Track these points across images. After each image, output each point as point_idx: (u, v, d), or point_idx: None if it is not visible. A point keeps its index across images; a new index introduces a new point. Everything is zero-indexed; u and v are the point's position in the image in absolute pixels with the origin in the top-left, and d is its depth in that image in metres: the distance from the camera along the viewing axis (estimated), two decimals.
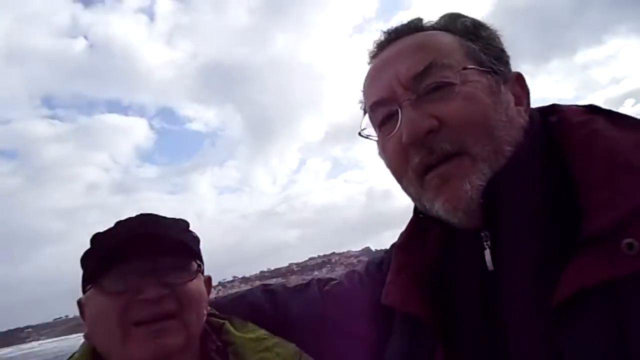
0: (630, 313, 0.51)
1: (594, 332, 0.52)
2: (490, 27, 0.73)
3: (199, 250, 0.87)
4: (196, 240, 0.87)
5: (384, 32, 0.76)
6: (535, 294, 0.60)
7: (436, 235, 0.75)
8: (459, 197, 0.65)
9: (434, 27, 0.74)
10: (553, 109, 0.72)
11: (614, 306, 0.52)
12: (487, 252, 0.67)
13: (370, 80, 0.75)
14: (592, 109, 0.68)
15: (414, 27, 0.74)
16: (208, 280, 0.89)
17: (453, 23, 0.73)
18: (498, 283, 0.65)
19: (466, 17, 0.74)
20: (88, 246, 0.81)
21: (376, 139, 0.76)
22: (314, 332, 0.91)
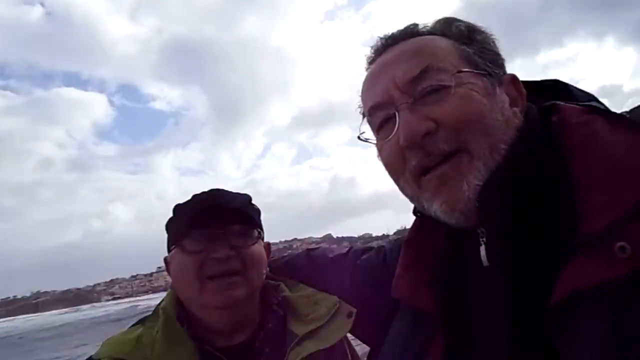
0: (624, 316, 0.51)
1: (589, 335, 0.52)
2: (485, 31, 0.75)
3: (260, 220, 1.04)
4: (257, 211, 1.04)
5: (381, 38, 0.78)
6: (529, 295, 0.60)
7: (441, 232, 0.76)
8: (457, 198, 0.66)
9: (430, 32, 0.75)
10: (554, 107, 0.72)
11: (608, 309, 0.52)
12: (482, 249, 0.68)
13: (368, 85, 0.76)
14: (592, 110, 0.68)
15: (410, 32, 0.76)
16: (267, 245, 1.06)
17: (448, 27, 0.74)
18: (492, 280, 0.66)
19: (461, 21, 0.76)
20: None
21: (374, 142, 0.78)
22: (342, 299, 1.01)
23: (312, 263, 1.12)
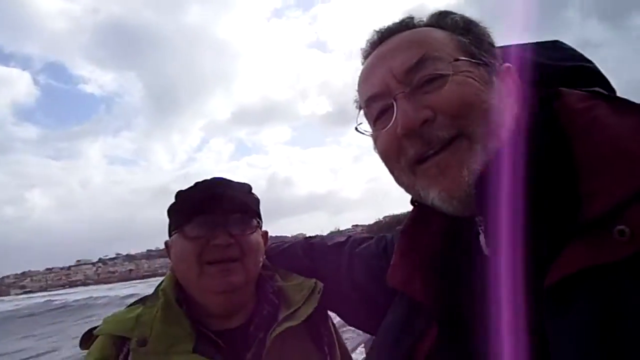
0: (620, 299, 0.50)
1: (581, 318, 0.52)
2: (480, 23, 0.75)
3: (259, 209, 1.07)
4: (257, 201, 1.07)
5: (376, 31, 0.78)
6: (526, 279, 0.60)
7: (438, 221, 0.75)
8: (457, 184, 0.65)
9: (426, 25, 0.76)
10: (558, 93, 0.70)
11: (603, 292, 0.51)
12: (482, 237, 0.69)
13: (365, 77, 0.77)
14: (595, 95, 0.67)
15: (406, 25, 0.76)
16: (265, 234, 1.09)
17: (443, 19, 0.75)
18: (492, 267, 0.65)
19: (456, 14, 0.76)
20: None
21: (370, 133, 0.78)
22: (337, 289, 1.03)
23: (310, 251, 1.14)
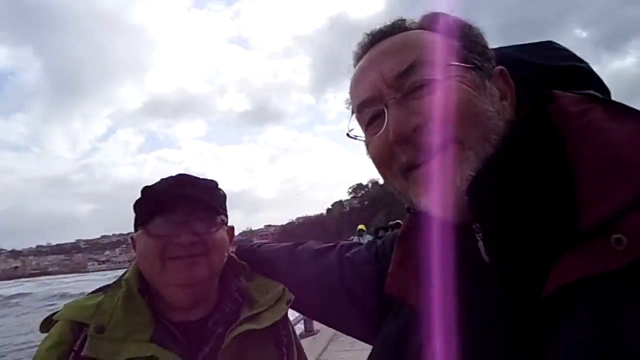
0: (617, 309, 0.50)
1: (579, 328, 0.51)
2: (473, 26, 0.74)
3: (225, 205, 1.10)
4: (223, 197, 1.11)
5: (368, 34, 0.77)
6: (524, 288, 0.60)
7: (435, 228, 0.72)
8: (449, 191, 0.65)
9: (417, 27, 0.75)
10: (551, 95, 0.70)
11: (601, 302, 0.51)
12: (481, 245, 0.68)
13: (356, 81, 0.76)
14: (590, 98, 0.66)
15: (397, 27, 0.75)
16: (231, 229, 1.12)
17: (435, 22, 0.73)
18: (492, 276, 0.65)
19: (449, 16, 0.74)
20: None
21: (363, 138, 0.77)
22: (324, 296, 1.02)
23: (296, 258, 1.13)
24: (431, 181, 0.66)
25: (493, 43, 0.76)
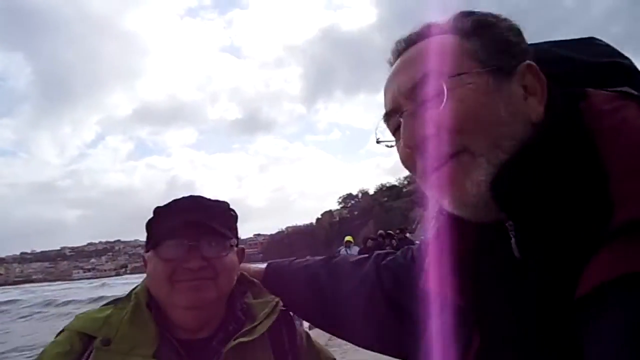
0: None
1: (615, 328, 0.51)
2: (496, 21, 0.73)
3: (236, 226, 1.13)
4: (234, 219, 1.13)
5: (397, 42, 0.80)
6: (559, 286, 0.59)
7: (470, 226, 0.74)
8: (463, 194, 0.67)
9: (441, 31, 0.75)
10: (584, 93, 0.69)
11: (637, 300, 0.50)
12: (513, 242, 0.68)
13: (384, 92, 0.79)
14: (625, 95, 0.66)
15: (423, 34, 0.76)
16: (241, 251, 1.14)
17: (456, 24, 0.74)
18: (525, 272, 0.66)
19: (471, 14, 0.74)
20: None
21: (392, 144, 0.80)
22: (363, 306, 1.02)
23: (335, 270, 1.13)
24: (444, 186, 0.69)
25: None
